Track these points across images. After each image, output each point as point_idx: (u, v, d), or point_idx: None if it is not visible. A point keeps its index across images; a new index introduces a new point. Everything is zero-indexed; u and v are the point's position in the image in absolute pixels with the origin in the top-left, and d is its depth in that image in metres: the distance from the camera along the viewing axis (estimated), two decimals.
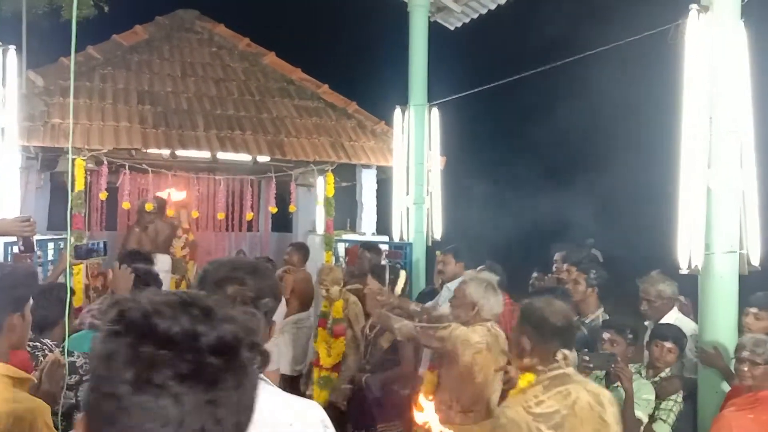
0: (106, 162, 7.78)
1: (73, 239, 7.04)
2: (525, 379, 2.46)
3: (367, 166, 9.26)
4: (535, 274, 5.67)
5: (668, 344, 3.71)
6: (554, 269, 5.53)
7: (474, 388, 3.47)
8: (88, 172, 7.72)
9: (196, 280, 1.73)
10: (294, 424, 1.65)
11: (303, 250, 6.97)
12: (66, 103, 7.70)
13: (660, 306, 4.15)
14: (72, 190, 7.28)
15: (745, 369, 3.16)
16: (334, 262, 8.33)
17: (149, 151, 7.98)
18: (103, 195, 8.00)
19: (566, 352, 2.37)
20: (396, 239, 7.83)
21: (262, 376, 1.73)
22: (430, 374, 3.63)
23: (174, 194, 9.44)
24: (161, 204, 8.44)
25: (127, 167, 8.04)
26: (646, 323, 4.12)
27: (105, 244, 3.38)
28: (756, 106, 3.86)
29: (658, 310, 4.15)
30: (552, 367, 2.35)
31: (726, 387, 3.54)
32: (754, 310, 4.01)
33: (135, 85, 8.57)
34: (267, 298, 1.66)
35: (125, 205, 8.28)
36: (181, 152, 8.06)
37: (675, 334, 3.76)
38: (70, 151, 5.94)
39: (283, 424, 1.62)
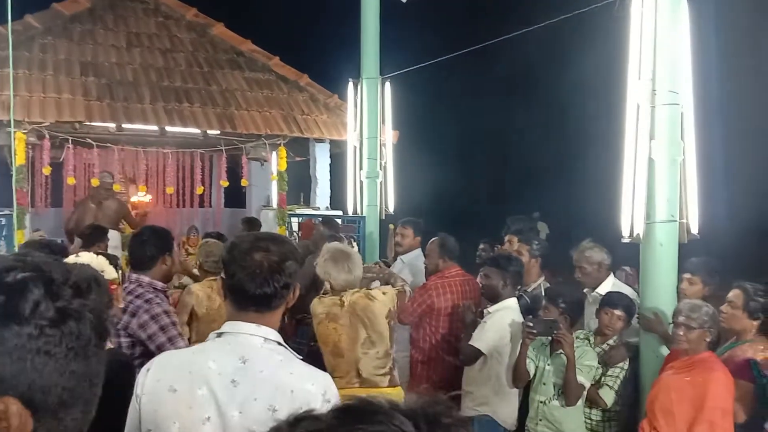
0: (48, 136, 7.51)
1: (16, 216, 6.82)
2: None
3: (321, 141, 9.20)
4: (481, 245, 5.75)
5: (618, 312, 3.82)
6: (505, 241, 5.63)
7: (327, 356, 3.61)
8: (30, 146, 7.45)
9: (225, 251, 1.87)
10: (295, 390, 1.73)
11: (253, 224, 6.91)
12: (5, 74, 7.38)
13: (593, 273, 4.27)
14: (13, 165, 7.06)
15: (681, 333, 3.26)
16: (288, 236, 8.29)
17: (94, 124, 7.74)
18: (46, 170, 7.74)
19: None
20: (350, 213, 7.83)
21: (280, 340, 1.80)
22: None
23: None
24: (110, 184, 8.21)
25: (70, 141, 7.77)
26: (585, 290, 4.24)
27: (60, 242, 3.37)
28: (696, 79, 3.97)
29: (592, 277, 4.28)
30: None
31: (665, 351, 3.68)
32: (687, 275, 4.19)
33: (77, 56, 8.27)
34: (289, 261, 1.82)
35: (70, 180, 8.02)
36: (127, 125, 7.84)
37: (625, 302, 3.87)
38: (12, 124, 5.70)
39: (284, 389, 1.73)
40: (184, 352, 1.93)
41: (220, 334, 1.82)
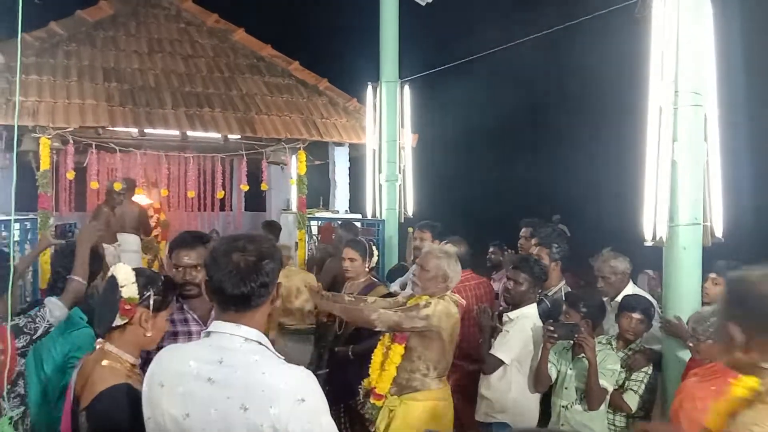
0: (72, 141, 7.63)
1: (40, 220, 6.93)
2: (741, 386, 1.77)
3: (340, 144, 9.22)
4: (491, 249, 5.72)
5: (636, 315, 3.79)
6: (519, 245, 5.59)
7: (450, 356, 3.67)
8: (54, 152, 7.56)
9: (207, 256, 1.91)
10: (265, 391, 1.75)
11: (273, 228, 6.94)
12: (29, 81, 7.51)
13: (615, 282, 4.28)
14: (37, 170, 7.18)
15: (692, 345, 3.26)
16: (307, 239, 8.32)
17: (116, 129, 7.84)
18: (70, 174, 7.85)
19: None
20: (369, 216, 7.83)
21: (263, 339, 1.83)
22: (398, 347, 3.66)
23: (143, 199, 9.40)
24: (131, 185, 8.32)
25: (93, 146, 7.88)
26: (604, 299, 4.20)
27: (75, 224, 3.37)
28: (720, 80, 3.91)
29: (614, 286, 4.28)
30: None
31: (688, 355, 3.63)
32: (713, 275, 4.15)
33: (101, 62, 8.38)
34: (267, 260, 1.84)
35: (93, 184, 8.13)
36: (149, 130, 7.93)
37: (643, 304, 3.84)
38: (15, 131, 5.79)
39: (255, 390, 1.74)
40: (175, 349, 1.96)
41: (207, 334, 1.89)
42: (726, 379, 3.06)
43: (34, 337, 2.81)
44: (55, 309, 2.89)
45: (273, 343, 1.93)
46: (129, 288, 2.31)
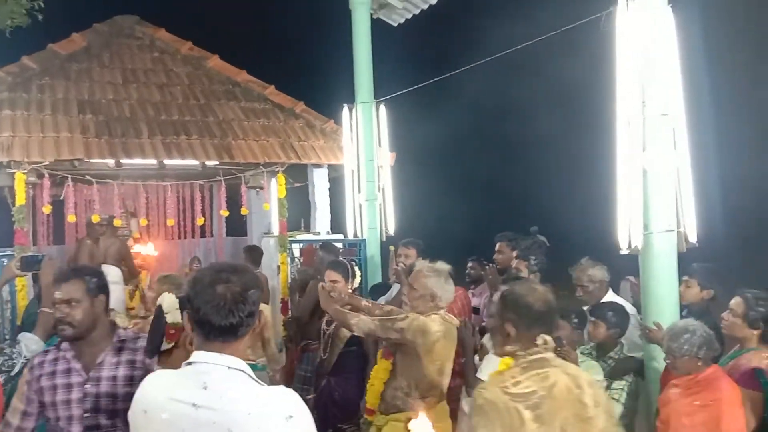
0: (47, 175, 7.56)
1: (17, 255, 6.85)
2: (504, 363, 2.41)
3: (318, 166, 9.24)
4: (470, 263, 5.73)
5: (595, 320, 3.86)
6: (495, 260, 5.57)
7: (432, 375, 3.58)
8: (30, 186, 7.50)
9: (187, 285, 1.92)
10: (252, 413, 1.76)
11: (254, 253, 6.92)
12: (2, 117, 7.47)
13: (593, 290, 4.32)
14: (13, 205, 7.11)
15: (669, 362, 3.30)
16: (289, 263, 8.29)
17: (93, 161, 7.79)
18: (47, 209, 7.77)
19: (546, 337, 2.34)
20: (350, 236, 7.84)
21: (245, 367, 1.84)
22: (384, 362, 3.66)
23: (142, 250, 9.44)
24: (110, 219, 8.25)
25: (70, 179, 7.82)
26: (584, 308, 4.24)
27: (44, 257, 3.32)
28: (686, 89, 4.00)
29: (593, 294, 4.31)
30: (531, 351, 2.32)
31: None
32: (685, 278, 4.21)
33: (75, 94, 8.36)
34: (252, 290, 1.88)
35: (71, 218, 8.05)
36: (126, 161, 7.89)
37: (605, 311, 3.90)
38: None
39: (241, 412, 1.76)
40: (158, 376, 1.98)
41: (189, 363, 1.88)
42: (709, 393, 3.10)
43: (12, 374, 2.79)
44: (31, 343, 2.88)
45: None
46: (173, 314, 2.54)
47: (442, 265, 3.82)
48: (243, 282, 1.87)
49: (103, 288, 2.71)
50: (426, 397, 3.60)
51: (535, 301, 2.39)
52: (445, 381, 3.66)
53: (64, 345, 2.67)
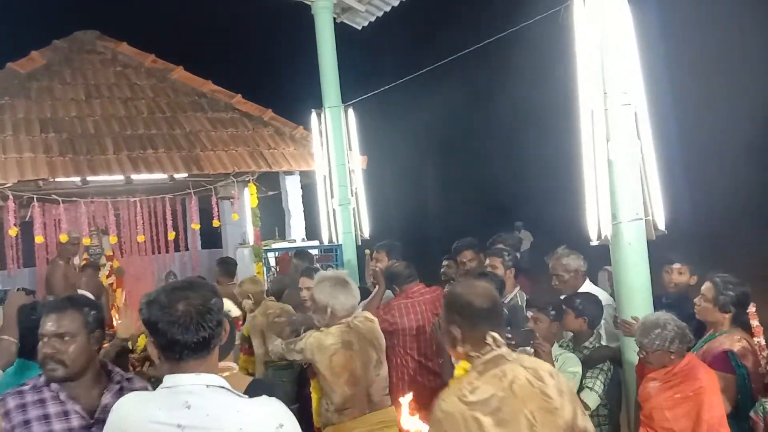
0: (12, 196, 7.40)
1: None
2: (461, 368, 2.29)
3: (290, 173, 9.18)
4: (445, 262, 5.66)
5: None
6: (465, 269, 5.39)
7: (341, 388, 3.49)
8: None
9: (144, 311, 1.84)
10: (243, 428, 1.74)
11: (226, 264, 6.84)
12: None
13: (569, 280, 4.27)
14: None
15: (641, 355, 3.29)
16: (265, 272, 8.22)
17: (58, 180, 7.65)
18: (12, 231, 7.61)
19: (494, 334, 2.24)
20: (326, 242, 7.79)
21: (224, 383, 1.81)
22: (313, 381, 3.67)
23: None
24: (77, 240, 8.08)
25: (35, 200, 7.67)
26: (561, 297, 4.24)
27: (6, 291, 3.23)
28: (646, 79, 4.03)
29: (569, 284, 4.27)
30: (484, 351, 2.22)
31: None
32: (677, 266, 4.21)
33: (36, 113, 8.20)
34: (213, 300, 1.85)
35: (38, 239, 7.89)
36: (92, 178, 7.76)
37: (569, 299, 3.91)
38: None
39: (232, 428, 1.73)
40: (137, 398, 1.90)
41: (165, 387, 1.83)
42: (689, 384, 3.11)
43: None
44: None
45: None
46: (234, 310, 2.87)
47: (334, 273, 3.75)
48: (202, 295, 1.84)
49: (99, 322, 2.47)
50: (345, 409, 3.51)
51: (476, 297, 2.27)
52: (370, 387, 3.55)
53: (54, 385, 2.36)
